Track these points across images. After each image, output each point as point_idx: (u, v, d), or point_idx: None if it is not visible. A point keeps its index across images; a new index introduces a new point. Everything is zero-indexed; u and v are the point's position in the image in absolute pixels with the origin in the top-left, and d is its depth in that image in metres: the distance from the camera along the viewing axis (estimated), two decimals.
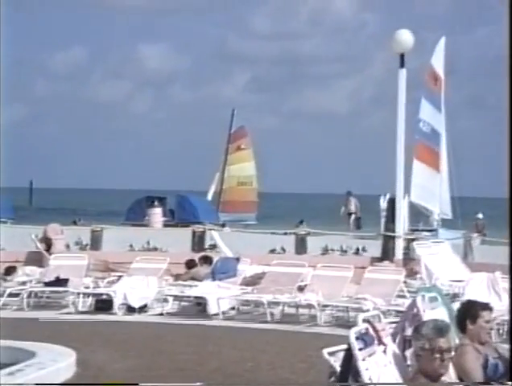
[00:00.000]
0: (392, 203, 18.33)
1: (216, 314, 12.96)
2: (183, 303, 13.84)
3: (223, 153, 37.47)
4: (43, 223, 19.11)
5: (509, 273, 5.63)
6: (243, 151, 37.57)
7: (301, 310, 13.06)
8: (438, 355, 4.77)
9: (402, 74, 17.49)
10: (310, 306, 12.72)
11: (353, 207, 31.71)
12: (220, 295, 13.27)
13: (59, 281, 14.21)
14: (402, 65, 17.49)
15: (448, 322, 5.29)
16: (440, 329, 4.87)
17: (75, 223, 28.71)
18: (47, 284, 14.33)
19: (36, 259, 16.25)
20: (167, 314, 13.25)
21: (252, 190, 37.68)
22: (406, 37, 17.47)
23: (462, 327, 5.72)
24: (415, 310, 5.82)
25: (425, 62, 22.54)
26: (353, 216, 31.40)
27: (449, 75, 22.77)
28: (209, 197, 36.80)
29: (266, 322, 12.49)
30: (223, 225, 30.31)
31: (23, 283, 14.47)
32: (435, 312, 5.89)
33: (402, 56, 17.49)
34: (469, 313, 5.71)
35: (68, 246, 18.87)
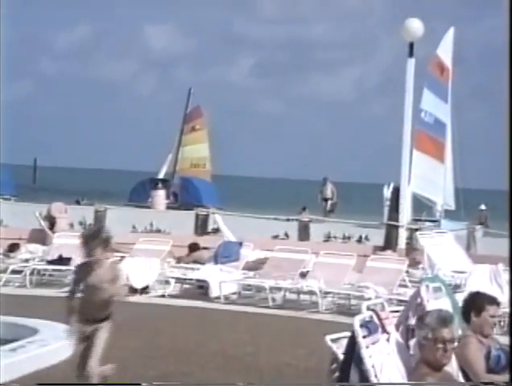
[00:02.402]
0: (396, 192, 18.32)
1: (218, 298, 13.00)
2: (185, 286, 13.87)
3: (177, 134, 36.76)
4: (47, 202, 19.14)
5: (510, 267, 5.62)
6: (197, 132, 36.81)
7: (302, 297, 13.09)
8: (441, 345, 4.78)
9: (411, 63, 17.42)
10: (312, 293, 12.75)
11: (329, 193, 31.61)
12: (222, 279, 13.29)
13: (62, 260, 14.25)
14: (411, 54, 17.43)
15: (451, 313, 5.30)
16: (444, 319, 4.87)
17: (78, 202, 28.77)
18: (50, 262, 14.37)
19: (39, 237, 16.28)
20: (169, 296, 13.29)
21: (205, 172, 36.76)
22: (416, 25, 17.40)
23: (466, 318, 5.72)
24: (419, 300, 5.82)
25: (432, 51, 22.44)
26: (329, 202, 31.32)
27: (457, 66, 22.67)
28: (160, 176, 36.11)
29: (268, 307, 12.52)
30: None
31: (26, 260, 14.52)
32: (439, 302, 5.89)
33: (411, 45, 17.43)
34: (475, 305, 5.71)
35: (71, 225, 18.91)
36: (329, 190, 31.63)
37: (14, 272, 13.88)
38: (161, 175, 36.14)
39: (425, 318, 4.88)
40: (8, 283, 13.66)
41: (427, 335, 4.79)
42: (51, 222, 17.38)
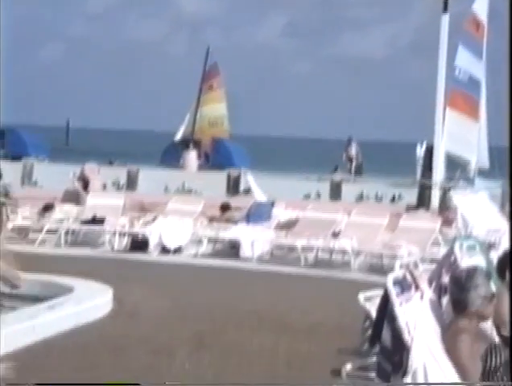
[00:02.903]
0: (429, 151, 18.17)
1: (250, 257, 13.05)
2: (217, 245, 13.95)
3: (197, 93, 36.42)
4: (80, 163, 19.29)
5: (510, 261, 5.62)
6: (215, 91, 36.45)
7: (335, 256, 13.09)
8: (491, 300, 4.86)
9: (445, 19, 17.16)
10: (344, 252, 12.74)
11: (353, 153, 31.32)
12: (254, 238, 13.33)
13: (96, 220, 14.38)
14: (445, 10, 17.15)
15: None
16: (488, 273, 4.91)
17: (111, 163, 28.92)
18: (84, 222, 14.51)
19: (73, 197, 16.42)
20: (201, 255, 13.38)
21: (223, 131, 36.37)
22: None
23: (502, 276, 5.69)
24: (453, 258, 5.79)
25: (467, 7, 22.00)
26: (353, 162, 31.07)
27: (493, 21, 22.22)
28: (178, 138, 36.02)
29: (300, 266, 12.55)
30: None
31: (61, 221, 14.67)
32: (473, 260, 5.85)
33: (445, 1, 17.13)
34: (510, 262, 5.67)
35: (104, 186, 19.07)
36: (354, 150, 31.37)
37: (49, 232, 14.06)
38: (179, 136, 36.04)
39: (470, 278, 4.85)
40: (43, 243, 13.85)
41: (488, 294, 4.81)
42: (85, 182, 17.53)
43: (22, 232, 14.43)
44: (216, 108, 36.48)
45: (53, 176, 19.57)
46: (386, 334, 4.68)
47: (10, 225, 14.11)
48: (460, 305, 4.82)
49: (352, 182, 21.41)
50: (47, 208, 15.42)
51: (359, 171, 30.51)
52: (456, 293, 4.86)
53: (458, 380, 4.56)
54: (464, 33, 21.48)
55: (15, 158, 27.81)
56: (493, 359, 4.67)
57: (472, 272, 4.93)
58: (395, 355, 4.53)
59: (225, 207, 15.66)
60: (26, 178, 20.92)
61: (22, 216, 14.80)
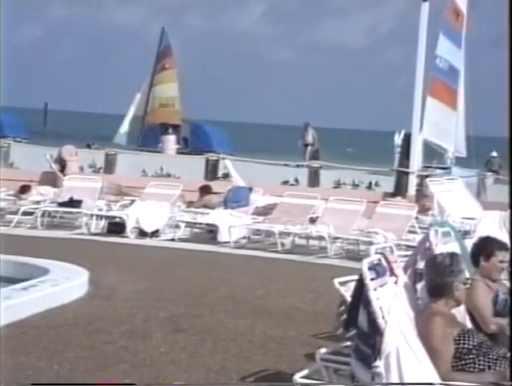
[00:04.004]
0: (407, 139, 18.24)
1: (227, 242, 13.07)
2: (194, 230, 13.96)
3: (150, 74, 36.17)
4: (58, 145, 19.18)
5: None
6: (167, 71, 36.20)
7: (311, 242, 13.15)
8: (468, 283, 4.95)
9: (425, 8, 17.18)
10: (321, 238, 12.80)
11: (310, 138, 31.11)
12: (231, 223, 13.35)
13: (73, 202, 14.33)
14: None
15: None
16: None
17: (89, 146, 28.77)
18: (61, 204, 14.46)
19: (50, 179, 16.37)
20: (179, 239, 13.37)
21: (174, 112, 35.88)
22: None
23: (475, 262, 5.75)
24: (428, 244, 5.84)
25: None
26: (309, 147, 30.89)
27: (472, 11, 22.29)
28: (127, 121, 35.76)
29: (277, 251, 12.60)
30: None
31: (37, 202, 14.61)
32: (448, 247, 5.90)
33: None
34: (485, 249, 5.73)
35: (81, 168, 18.97)
36: (310, 136, 31.12)
37: (25, 213, 13.99)
38: (129, 117, 35.75)
39: (455, 263, 4.91)
40: (19, 224, 13.78)
41: (464, 280, 4.88)
42: (62, 165, 17.44)
43: None
44: (167, 88, 36.08)
45: (30, 158, 19.43)
46: (363, 318, 4.72)
47: None
48: (436, 290, 4.87)
49: (330, 168, 21.46)
50: (24, 190, 15.34)
51: (315, 157, 30.18)
52: (433, 277, 4.91)
53: (430, 363, 4.61)
54: (445, 22, 21.52)
55: None
56: (466, 342, 4.73)
57: (451, 257, 4.99)
58: (371, 339, 4.57)
59: (204, 189, 15.63)
60: (3, 159, 20.77)
61: None
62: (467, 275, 5.08)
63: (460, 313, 5.18)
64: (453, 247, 5.98)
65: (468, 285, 5.00)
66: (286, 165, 25.07)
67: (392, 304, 4.68)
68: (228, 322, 7.76)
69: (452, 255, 5.04)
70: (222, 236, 13.23)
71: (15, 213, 14.00)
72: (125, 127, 35.98)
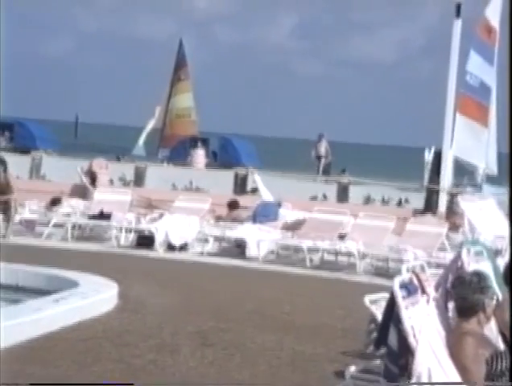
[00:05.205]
0: (437, 156, 18.13)
1: (256, 257, 13.05)
2: (223, 244, 13.95)
3: (168, 85, 36.26)
4: (89, 157, 19.31)
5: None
6: (182, 82, 36.20)
7: (340, 258, 13.08)
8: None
9: (457, 24, 17.10)
10: (350, 254, 12.73)
11: (322, 150, 30.75)
12: (260, 238, 13.33)
13: (103, 215, 14.40)
14: (457, 15, 17.08)
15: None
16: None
17: (118, 159, 28.93)
18: (91, 217, 14.54)
19: (81, 192, 16.47)
20: (207, 253, 13.38)
21: (191, 122, 35.50)
22: None
23: (507, 282, 5.67)
24: (459, 263, 5.77)
25: (480, 12, 21.92)
26: (322, 160, 30.52)
27: (505, 27, 22.16)
28: (145, 132, 35.69)
29: (305, 267, 12.55)
30: (162, 161, 30.01)
31: (68, 215, 14.71)
32: (480, 266, 5.84)
33: (458, 6, 17.08)
34: None
35: (111, 181, 19.08)
36: (323, 148, 30.81)
37: (56, 225, 14.10)
38: (146, 131, 35.84)
39: (483, 280, 4.88)
40: (50, 236, 13.88)
41: (492, 296, 4.84)
42: (93, 177, 17.55)
43: (30, 225, 14.47)
44: (182, 99, 36.18)
45: (61, 170, 19.59)
46: (393, 337, 4.67)
47: (17, 218, 14.16)
48: (467, 309, 4.82)
49: (360, 184, 21.35)
50: (55, 202, 15.45)
51: (327, 171, 29.84)
52: (463, 296, 4.86)
53: (462, 385, 4.55)
54: (477, 38, 21.41)
55: (24, 151, 27.87)
56: (499, 364, 4.67)
57: (477, 274, 4.94)
58: (401, 358, 4.53)
59: (232, 205, 15.65)
60: (35, 171, 20.95)
61: (29, 209, 14.84)
62: (493, 294, 5.03)
63: (493, 333, 5.12)
64: (485, 266, 5.92)
65: (494, 304, 4.95)
66: (314, 180, 25.01)
67: (424, 323, 4.63)
68: (256, 337, 7.73)
69: (478, 273, 5.00)
70: (251, 251, 13.21)
71: (46, 225, 14.11)
72: (144, 139, 36.18)
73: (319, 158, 30.56)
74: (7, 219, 13.79)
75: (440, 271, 6.32)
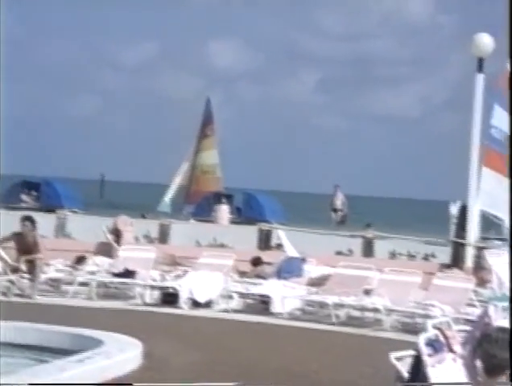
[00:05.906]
0: (463, 210, 18.01)
1: (281, 313, 12.95)
2: (247, 301, 13.87)
3: (194, 141, 36.48)
4: (113, 215, 19.42)
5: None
6: (208, 139, 36.48)
7: (366, 314, 12.94)
8: None
9: (480, 79, 17.14)
10: (376, 310, 12.60)
11: (339, 203, 30.49)
12: (285, 294, 13.25)
13: (128, 273, 14.42)
14: (480, 70, 17.14)
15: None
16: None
17: (143, 216, 29.08)
18: (116, 275, 14.55)
19: (106, 250, 16.51)
20: (232, 310, 13.31)
21: (215, 179, 36.04)
22: (485, 41, 17.11)
23: None
24: (487, 319, 5.69)
25: (502, 66, 22.01)
26: (339, 213, 30.23)
27: None
28: (172, 189, 35.66)
29: (331, 323, 12.42)
30: (187, 217, 29.99)
31: (93, 273, 14.74)
32: (508, 322, 5.75)
33: (480, 60, 17.14)
34: None
35: (136, 239, 19.15)
36: (339, 201, 30.62)
37: (81, 284, 14.12)
38: (174, 185, 35.96)
39: (508, 335, 4.77)
40: (75, 295, 13.89)
41: None
42: (117, 235, 17.61)
43: (55, 284, 14.51)
44: (208, 155, 36.50)
45: (86, 228, 19.71)
46: None
47: (43, 277, 14.21)
48: (491, 367, 4.72)
49: (384, 238, 21.23)
50: (80, 260, 15.51)
51: (342, 222, 29.60)
52: (492, 354, 4.77)
53: None
54: (499, 90, 21.43)
55: (50, 209, 28.14)
56: None
57: (503, 330, 4.85)
58: None
59: (256, 262, 15.62)
60: (60, 229, 21.10)
61: (55, 268, 14.89)
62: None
63: None
64: None
65: None
66: (339, 235, 24.92)
67: (452, 382, 4.55)
68: None
69: (504, 328, 4.91)
70: (275, 307, 13.12)
71: (71, 284, 14.14)
72: (170, 195, 36.34)
73: (335, 210, 30.41)
74: (33, 278, 13.85)
75: (468, 327, 6.23)
